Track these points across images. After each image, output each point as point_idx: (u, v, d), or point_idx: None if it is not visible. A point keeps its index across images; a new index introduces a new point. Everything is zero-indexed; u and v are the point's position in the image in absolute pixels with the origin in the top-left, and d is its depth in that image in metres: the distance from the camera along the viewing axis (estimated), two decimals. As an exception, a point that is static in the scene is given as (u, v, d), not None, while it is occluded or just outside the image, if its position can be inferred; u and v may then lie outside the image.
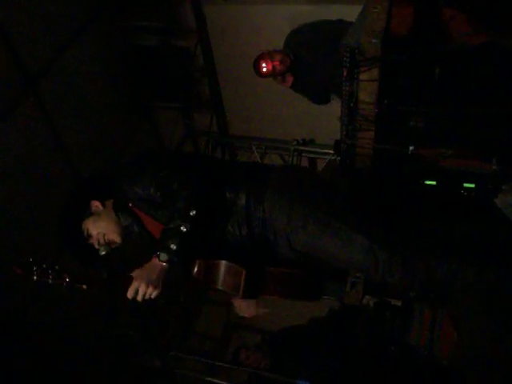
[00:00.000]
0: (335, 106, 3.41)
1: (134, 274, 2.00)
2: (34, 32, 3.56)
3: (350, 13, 3.49)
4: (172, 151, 4.54)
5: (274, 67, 3.75)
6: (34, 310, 3.66)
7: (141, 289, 1.98)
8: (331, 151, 4.81)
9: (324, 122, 4.71)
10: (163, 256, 1.98)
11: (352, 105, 2.90)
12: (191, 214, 2.00)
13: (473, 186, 2.82)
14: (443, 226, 2.73)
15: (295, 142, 5.17)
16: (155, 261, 2.00)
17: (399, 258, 2.12)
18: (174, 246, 1.96)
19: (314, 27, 3.82)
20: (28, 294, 3.48)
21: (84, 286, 1.93)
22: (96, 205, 2.28)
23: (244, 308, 2.39)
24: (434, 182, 2.93)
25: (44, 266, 1.87)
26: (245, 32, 4.60)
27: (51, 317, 3.81)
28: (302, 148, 5.22)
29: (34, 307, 3.65)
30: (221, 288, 2.14)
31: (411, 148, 2.84)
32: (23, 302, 3.58)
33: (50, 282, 1.89)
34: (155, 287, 1.99)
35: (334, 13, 3.90)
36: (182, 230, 1.97)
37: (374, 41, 2.65)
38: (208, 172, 2.22)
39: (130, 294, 1.98)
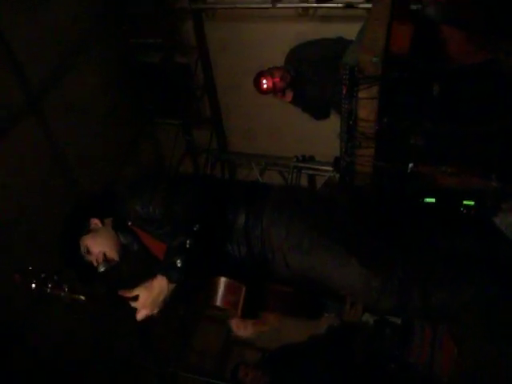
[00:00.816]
0: (335, 123, 3.42)
1: (141, 301, 1.98)
2: (37, 48, 3.60)
3: (350, 31, 3.52)
4: (171, 171, 4.56)
5: (274, 84, 3.78)
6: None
7: (147, 313, 1.99)
8: (331, 168, 4.82)
9: (324, 138, 4.72)
10: (173, 275, 1.96)
11: (351, 122, 2.92)
12: (194, 229, 1.99)
13: (472, 203, 2.82)
14: (444, 240, 2.72)
15: (295, 159, 5.18)
16: (162, 281, 1.97)
17: (395, 282, 2.10)
18: (179, 263, 1.94)
19: (315, 44, 3.86)
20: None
21: (82, 297, 1.92)
22: (95, 222, 2.28)
23: (241, 327, 2.37)
24: (433, 200, 2.93)
25: (43, 275, 1.87)
26: (245, 49, 4.64)
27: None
28: (302, 165, 5.22)
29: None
30: (219, 305, 2.12)
31: (410, 166, 2.85)
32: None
33: (49, 291, 1.88)
34: (160, 308, 2.00)
35: (333, 31, 3.94)
36: (186, 246, 1.95)
37: (374, 59, 2.66)
38: (208, 189, 2.22)
39: (139, 318, 2.00)
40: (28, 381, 3.68)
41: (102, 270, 2.19)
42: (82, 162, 4.15)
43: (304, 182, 5.41)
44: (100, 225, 2.29)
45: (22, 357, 3.64)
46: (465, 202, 2.82)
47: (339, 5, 3.81)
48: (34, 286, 1.85)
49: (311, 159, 5.29)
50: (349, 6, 3.75)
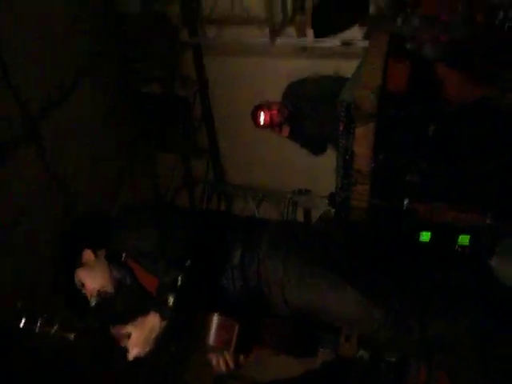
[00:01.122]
0: (332, 158, 3.44)
1: (133, 339, 1.96)
2: (38, 75, 3.66)
3: (348, 68, 3.57)
4: (168, 203, 4.56)
5: (271, 117, 3.80)
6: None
7: (140, 352, 1.97)
8: (327, 202, 4.81)
9: (321, 173, 4.74)
10: (165, 313, 1.94)
11: (348, 158, 2.93)
12: (186, 264, 1.98)
13: (467, 240, 2.82)
14: (439, 272, 2.72)
15: (291, 193, 5.18)
16: (154, 318, 1.96)
17: (392, 314, 2.09)
18: (171, 300, 1.93)
19: (314, 81, 3.90)
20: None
21: (72, 336, 1.90)
22: (88, 254, 2.26)
23: (221, 362, 2.32)
24: (428, 234, 2.92)
25: (32, 314, 1.85)
26: (244, 82, 4.69)
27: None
28: (298, 198, 5.22)
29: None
30: (212, 343, 2.09)
31: (406, 202, 2.86)
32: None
33: (37, 330, 1.86)
34: (151, 347, 1.98)
35: (332, 67, 4.00)
36: (178, 283, 1.95)
37: (370, 96, 2.69)
38: (203, 223, 2.22)
39: (131, 358, 1.97)
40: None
41: (94, 303, 2.17)
42: (79, 192, 4.16)
43: (300, 215, 5.41)
44: (93, 257, 2.27)
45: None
46: (460, 239, 2.81)
47: (337, 43, 3.87)
48: (22, 324, 1.83)
49: (307, 193, 5.29)
50: (346, 44, 3.81)
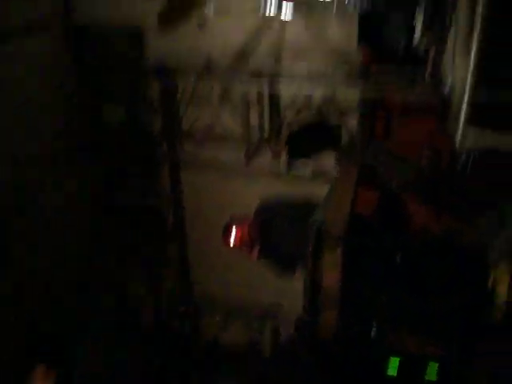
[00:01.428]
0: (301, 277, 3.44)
1: None
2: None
3: (320, 192, 3.67)
4: (129, 321, 4.47)
5: (242, 236, 3.78)
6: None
7: None
8: (295, 322, 4.75)
9: (291, 290, 4.71)
10: None
11: (316, 281, 2.94)
12: None
13: (435, 368, 2.78)
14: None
15: (260, 310, 5.12)
16: None
17: None
18: None
19: (289, 201, 3.95)
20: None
21: None
22: (40, 370, 2.18)
23: None
24: (397, 360, 2.88)
25: None
26: (218, 198, 4.77)
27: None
28: (267, 314, 5.15)
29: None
30: None
31: (374, 330, 2.84)
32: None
33: None
34: None
35: (304, 190, 4.09)
36: None
37: (338, 221, 2.76)
38: (162, 353, 2.19)
39: None
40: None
41: None
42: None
43: (268, 332, 5.30)
44: (43, 374, 2.18)
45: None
46: (428, 371, 2.78)
47: (309, 169, 4.00)
48: None
49: (278, 308, 5.22)
50: (318, 170, 3.94)
